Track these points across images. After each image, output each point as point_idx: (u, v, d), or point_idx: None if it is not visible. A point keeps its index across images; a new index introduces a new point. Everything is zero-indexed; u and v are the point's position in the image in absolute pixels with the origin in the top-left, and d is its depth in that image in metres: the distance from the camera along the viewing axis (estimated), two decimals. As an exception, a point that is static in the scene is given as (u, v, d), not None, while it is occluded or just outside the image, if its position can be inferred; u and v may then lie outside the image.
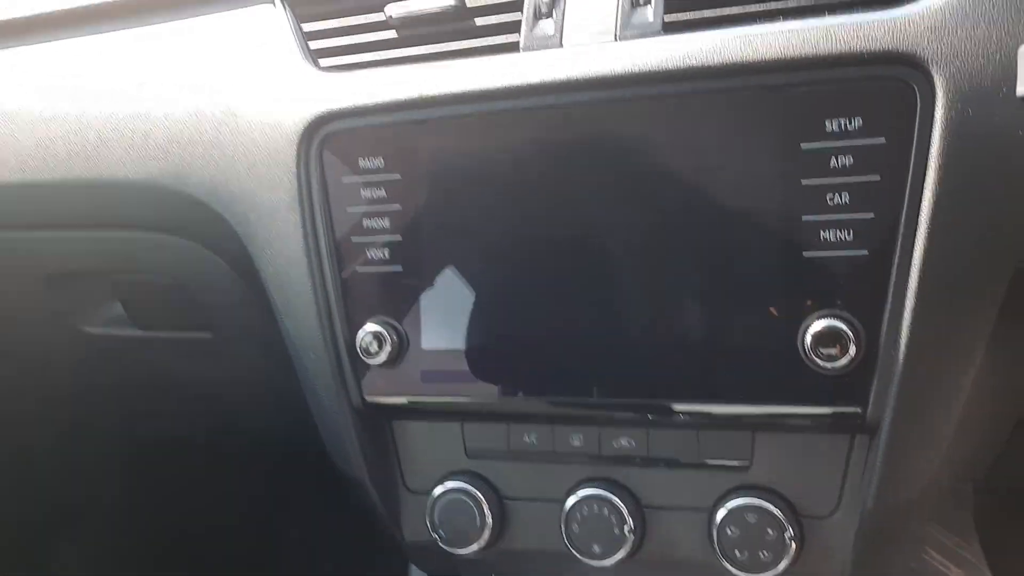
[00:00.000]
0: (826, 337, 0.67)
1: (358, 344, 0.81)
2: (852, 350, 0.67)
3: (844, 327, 0.67)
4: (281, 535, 1.28)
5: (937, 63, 0.65)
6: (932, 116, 0.65)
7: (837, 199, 0.68)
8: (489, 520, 0.83)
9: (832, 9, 0.69)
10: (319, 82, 0.84)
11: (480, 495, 0.83)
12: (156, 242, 0.98)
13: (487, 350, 0.79)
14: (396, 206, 0.81)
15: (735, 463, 0.78)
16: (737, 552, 0.76)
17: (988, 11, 0.64)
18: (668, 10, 0.74)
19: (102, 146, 0.93)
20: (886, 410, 0.68)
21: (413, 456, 0.90)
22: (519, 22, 0.79)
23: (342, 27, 0.86)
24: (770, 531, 0.74)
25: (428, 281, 0.81)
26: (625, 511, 0.79)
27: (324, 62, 0.86)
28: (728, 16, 0.72)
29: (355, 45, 0.85)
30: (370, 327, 0.81)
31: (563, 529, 0.81)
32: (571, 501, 0.80)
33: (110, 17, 0.97)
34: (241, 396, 1.10)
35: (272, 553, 1.30)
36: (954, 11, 0.65)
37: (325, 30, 0.87)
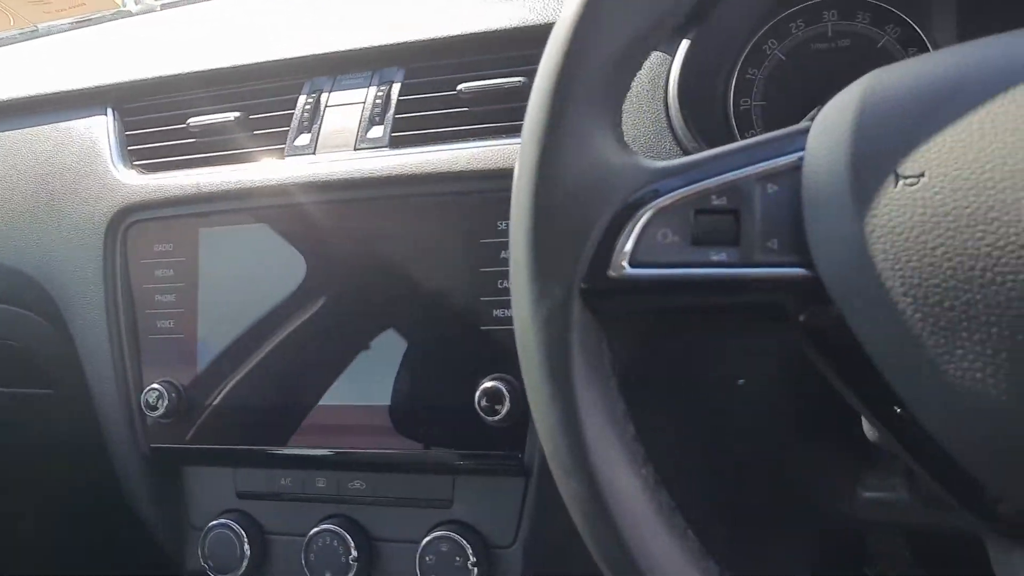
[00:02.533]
0: (491, 395, 0.83)
1: (143, 400, 0.96)
2: (507, 405, 0.82)
3: (503, 387, 0.82)
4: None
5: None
6: None
7: (505, 283, 0.84)
8: (247, 551, 0.97)
9: (510, 134, 0.87)
10: (130, 179, 1.01)
11: (242, 530, 0.97)
12: (4, 311, 1.13)
13: (247, 407, 0.94)
14: (181, 284, 0.97)
15: (440, 501, 0.92)
16: None
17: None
18: (395, 130, 0.92)
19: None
20: (536, 454, 0.83)
21: (197, 498, 1.03)
22: (287, 132, 0.97)
23: (155, 133, 1.04)
24: (457, 559, 0.88)
25: (204, 347, 0.96)
26: (352, 543, 0.92)
27: (137, 162, 1.03)
28: (440, 135, 0.90)
29: (163, 148, 1.03)
30: (155, 386, 0.96)
31: (303, 559, 0.94)
32: (311, 533, 0.94)
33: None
34: (70, 449, 1.24)
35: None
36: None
37: (142, 135, 1.05)
